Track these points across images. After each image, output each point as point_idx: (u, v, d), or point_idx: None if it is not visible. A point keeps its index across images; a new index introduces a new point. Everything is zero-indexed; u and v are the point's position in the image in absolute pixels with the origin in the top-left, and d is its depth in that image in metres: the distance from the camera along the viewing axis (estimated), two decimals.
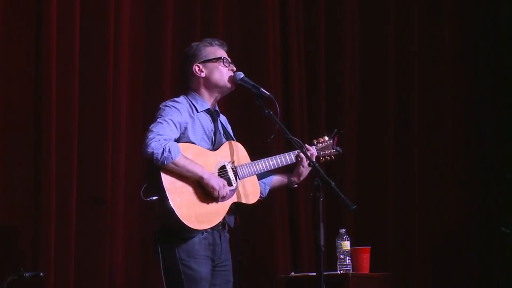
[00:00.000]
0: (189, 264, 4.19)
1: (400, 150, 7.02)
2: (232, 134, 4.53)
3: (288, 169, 4.57)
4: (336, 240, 5.45)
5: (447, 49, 7.29)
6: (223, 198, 4.24)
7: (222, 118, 4.55)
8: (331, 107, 6.82)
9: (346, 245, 5.43)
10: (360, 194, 6.80)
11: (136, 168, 5.51)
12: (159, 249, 4.21)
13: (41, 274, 4.88)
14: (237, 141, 4.49)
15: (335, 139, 4.59)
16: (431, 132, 7.16)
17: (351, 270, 5.42)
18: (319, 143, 4.57)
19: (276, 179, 4.58)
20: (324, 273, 4.02)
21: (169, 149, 4.12)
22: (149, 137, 4.17)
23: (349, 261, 5.43)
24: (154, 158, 4.13)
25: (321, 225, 3.97)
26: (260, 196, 4.50)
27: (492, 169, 7.25)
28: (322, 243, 3.95)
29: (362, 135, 6.92)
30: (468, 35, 7.38)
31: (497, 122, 7.33)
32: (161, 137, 4.16)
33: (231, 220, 4.36)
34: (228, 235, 4.37)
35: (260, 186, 4.48)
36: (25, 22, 5.28)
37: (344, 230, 5.48)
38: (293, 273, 5.84)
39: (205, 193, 4.22)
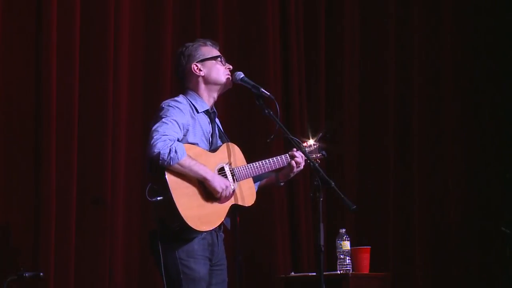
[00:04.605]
0: (188, 264, 4.20)
1: (400, 149, 7.02)
2: (226, 136, 4.54)
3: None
4: (336, 240, 5.45)
5: (447, 49, 7.29)
6: (226, 199, 4.26)
7: (217, 120, 4.56)
8: (331, 107, 6.83)
9: (346, 245, 5.43)
10: (360, 194, 6.80)
11: (136, 168, 5.52)
12: (159, 248, 4.22)
13: (41, 274, 4.88)
14: (234, 142, 4.50)
15: (320, 143, 4.60)
16: (431, 132, 7.16)
17: (351, 270, 5.42)
18: (306, 146, 4.57)
19: (264, 179, 4.59)
20: (324, 273, 4.03)
21: (175, 150, 4.12)
22: (155, 137, 4.15)
23: (349, 261, 5.43)
24: (161, 158, 4.11)
25: (321, 225, 3.96)
26: None
27: (492, 169, 7.25)
28: (322, 243, 3.95)
29: (362, 135, 6.92)
30: (468, 36, 7.38)
31: (497, 122, 7.33)
32: (166, 137, 4.15)
33: (228, 222, 4.38)
34: (223, 235, 4.40)
35: None
36: (25, 22, 5.28)
37: (344, 230, 5.48)
38: (293, 273, 5.84)
39: (208, 194, 4.23)
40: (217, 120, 4.54)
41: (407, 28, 7.15)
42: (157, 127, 4.20)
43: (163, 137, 4.15)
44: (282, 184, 4.61)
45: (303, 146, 4.40)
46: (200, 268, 4.22)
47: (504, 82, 7.35)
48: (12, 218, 5.16)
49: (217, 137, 4.45)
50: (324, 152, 4.60)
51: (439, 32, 7.29)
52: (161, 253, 4.22)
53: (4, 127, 5.19)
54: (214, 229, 4.29)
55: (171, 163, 4.12)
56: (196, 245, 4.22)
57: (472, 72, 7.36)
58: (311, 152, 4.57)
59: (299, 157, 4.47)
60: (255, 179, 4.50)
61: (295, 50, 6.60)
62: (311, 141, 4.59)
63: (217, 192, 4.21)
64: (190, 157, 4.19)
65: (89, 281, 5.33)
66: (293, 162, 4.46)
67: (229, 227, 4.39)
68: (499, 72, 7.37)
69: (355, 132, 6.92)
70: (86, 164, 5.37)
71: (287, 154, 4.48)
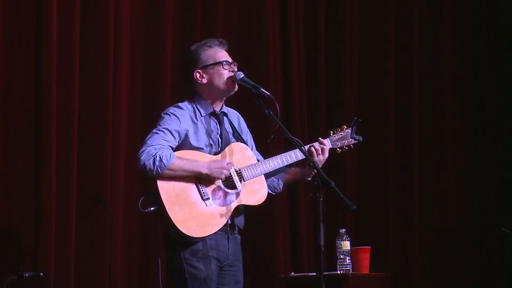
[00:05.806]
0: (193, 263, 4.19)
1: (400, 149, 7.02)
2: (243, 131, 4.52)
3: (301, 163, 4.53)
4: (336, 240, 5.45)
5: (447, 49, 7.29)
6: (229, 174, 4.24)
7: (233, 116, 4.53)
8: (331, 106, 6.83)
9: (346, 245, 5.43)
10: (360, 194, 6.80)
11: (136, 168, 5.50)
12: (166, 249, 4.25)
13: (41, 274, 4.88)
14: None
15: (354, 128, 4.55)
16: (431, 131, 7.16)
17: (351, 270, 5.42)
18: (335, 133, 4.53)
19: (288, 174, 4.53)
20: (324, 273, 4.02)
21: (160, 158, 4.12)
22: (141, 150, 4.18)
23: (349, 261, 5.43)
24: (148, 169, 4.13)
25: (321, 225, 3.96)
26: (275, 191, 4.51)
27: (492, 169, 7.25)
28: (322, 243, 3.95)
29: (362, 135, 6.90)
30: (469, 35, 7.38)
31: (497, 122, 7.33)
32: (151, 148, 4.16)
33: (241, 222, 4.36)
34: (239, 236, 4.37)
35: (273, 182, 4.49)
36: (25, 22, 5.28)
37: (344, 230, 5.48)
38: (293, 273, 5.84)
39: (205, 194, 4.21)
40: (233, 116, 4.51)
41: (407, 28, 7.14)
42: (147, 139, 4.24)
43: (148, 148, 4.17)
44: (309, 179, 4.46)
45: (303, 145, 4.37)
46: (206, 267, 4.20)
47: (504, 81, 7.35)
48: (12, 218, 5.16)
49: (229, 135, 4.42)
50: (358, 137, 4.54)
51: (439, 32, 7.29)
52: (166, 253, 4.25)
53: (4, 127, 5.19)
54: (224, 230, 4.26)
55: (160, 171, 4.13)
56: (202, 245, 4.21)
57: (473, 72, 7.36)
58: (342, 138, 4.52)
59: (318, 149, 4.42)
60: (274, 172, 4.45)
61: (295, 50, 6.60)
62: (344, 127, 4.54)
63: (220, 178, 4.21)
64: (180, 157, 4.18)
65: (89, 281, 5.33)
66: (312, 148, 4.40)
67: (242, 227, 4.37)
68: (499, 71, 7.37)
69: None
70: (86, 164, 5.37)
71: (305, 147, 4.41)
